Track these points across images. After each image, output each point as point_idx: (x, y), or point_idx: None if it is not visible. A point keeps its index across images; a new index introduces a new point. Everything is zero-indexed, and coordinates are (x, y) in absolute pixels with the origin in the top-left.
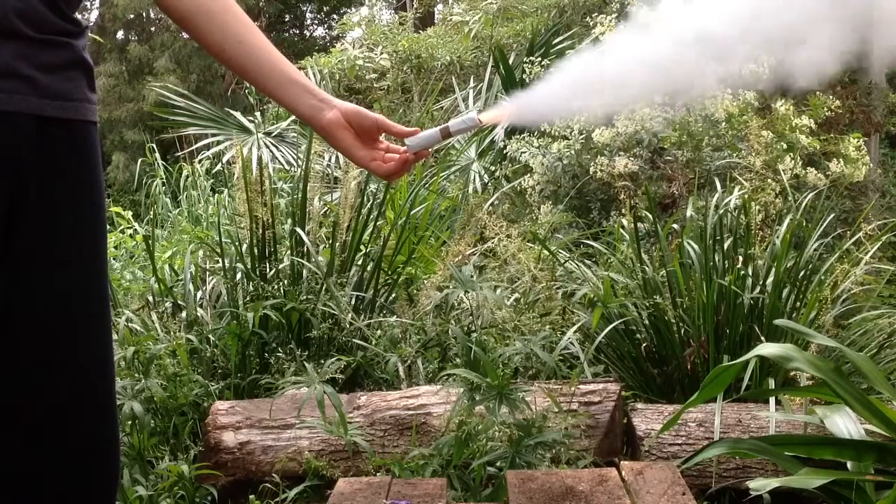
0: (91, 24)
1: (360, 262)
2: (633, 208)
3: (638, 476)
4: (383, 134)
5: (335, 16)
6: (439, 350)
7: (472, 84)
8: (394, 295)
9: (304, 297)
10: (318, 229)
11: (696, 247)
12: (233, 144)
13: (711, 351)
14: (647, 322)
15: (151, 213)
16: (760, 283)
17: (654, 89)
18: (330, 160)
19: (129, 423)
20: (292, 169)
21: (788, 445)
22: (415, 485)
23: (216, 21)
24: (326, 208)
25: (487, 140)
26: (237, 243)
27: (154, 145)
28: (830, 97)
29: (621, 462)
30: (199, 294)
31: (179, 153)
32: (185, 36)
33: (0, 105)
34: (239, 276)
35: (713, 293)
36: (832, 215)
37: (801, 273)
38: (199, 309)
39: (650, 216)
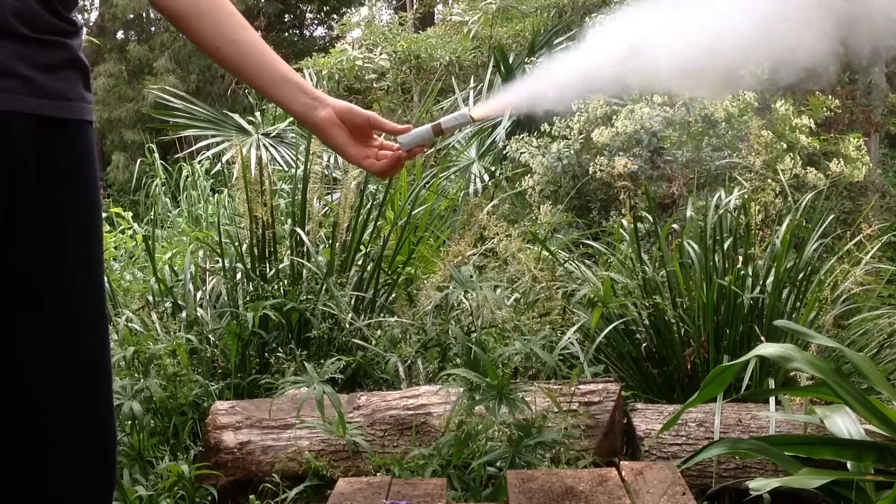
0: (90, 24)
1: (360, 262)
2: (633, 208)
3: (638, 476)
4: (377, 132)
5: (335, 16)
6: (439, 350)
7: (472, 84)
8: (394, 295)
9: (304, 297)
10: (318, 229)
11: (695, 247)
12: (232, 145)
13: (711, 351)
14: (647, 322)
15: (151, 213)
16: (760, 283)
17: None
18: (329, 160)
19: (129, 423)
20: (291, 170)
21: (788, 445)
22: (415, 485)
23: (210, 20)
24: (326, 208)
25: (488, 141)
26: (237, 243)
27: (153, 146)
28: (830, 97)
29: (621, 462)
30: (199, 294)
31: (179, 153)
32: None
33: None
34: (239, 276)
35: (713, 293)
36: (832, 216)
37: (801, 273)
38: (199, 309)
39: (650, 216)
